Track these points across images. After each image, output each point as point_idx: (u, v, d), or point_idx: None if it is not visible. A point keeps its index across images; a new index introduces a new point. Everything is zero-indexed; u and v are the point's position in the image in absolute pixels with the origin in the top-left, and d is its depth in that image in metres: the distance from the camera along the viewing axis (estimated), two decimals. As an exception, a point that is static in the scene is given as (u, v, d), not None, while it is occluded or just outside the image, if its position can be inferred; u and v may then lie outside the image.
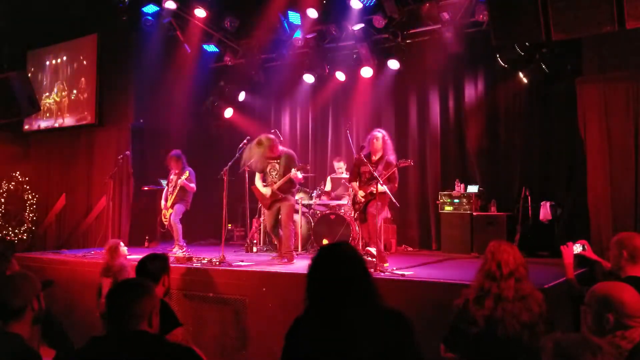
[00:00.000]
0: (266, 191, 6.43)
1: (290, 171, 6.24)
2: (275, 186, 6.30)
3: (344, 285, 1.98)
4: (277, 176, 6.36)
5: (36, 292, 2.57)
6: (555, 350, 1.72)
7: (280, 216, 6.44)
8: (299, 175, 6.35)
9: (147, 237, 8.54)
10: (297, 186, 6.70)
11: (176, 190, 7.28)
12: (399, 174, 6.24)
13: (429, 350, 2.76)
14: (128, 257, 6.36)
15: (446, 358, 2.90)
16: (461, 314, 2.85)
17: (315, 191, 8.11)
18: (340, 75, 8.65)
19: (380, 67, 8.26)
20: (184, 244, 7.29)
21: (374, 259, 5.62)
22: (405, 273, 5.18)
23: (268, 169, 6.46)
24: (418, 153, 8.46)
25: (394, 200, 6.01)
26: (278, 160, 6.40)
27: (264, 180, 6.55)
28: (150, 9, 8.34)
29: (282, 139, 7.21)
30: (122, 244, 5.52)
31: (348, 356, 1.90)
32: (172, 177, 7.45)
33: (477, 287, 2.87)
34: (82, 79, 9.58)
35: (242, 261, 6.25)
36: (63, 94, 9.88)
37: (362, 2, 7.40)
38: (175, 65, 9.05)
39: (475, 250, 7.23)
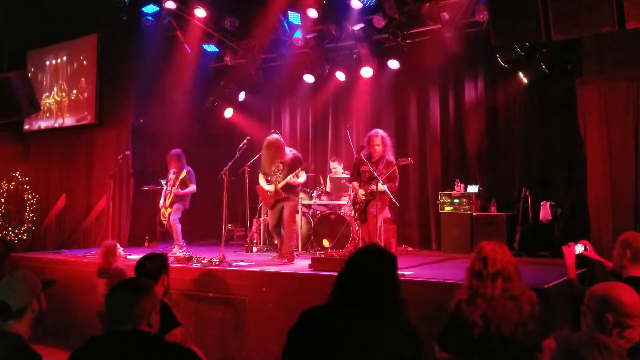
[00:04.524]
0: (270, 188, 6.44)
1: (294, 172, 6.27)
2: (279, 185, 6.32)
3: (375, 285, 2.23)
4: (281, 176, 6.37)
5: (37, 292, 2.56)
6: (561, 348, 1.70)
7: (283, 215, 6.45)
8: (300, 179, 6.36)
9: (147, 237, 8.53)
10: (300, 186, 6.71)
11: (174, 190, 7.27)
12: (399, 173, 6.25)
13: (430, 349, 2.78)
14: (128, 257, 6.36)
15: (441, 358, 2.90)
16: (455, 315, 2.84)
17: (315, 191, 8.11)
18: (340, 75, 8.64)
19: (380, 67, 8.25)
20: (184, 244, 7.28)
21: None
22: (405, 273, 5.16)
23: (272, 169, 6.48)
24: (418, 153, 8.45)
25: (394, 200, 6.01)
26: (283, 161, 6.41)
27: (268, 180, 6.56)
28: (150, 9, 8.34)
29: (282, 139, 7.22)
30: (118, 245, 5.37)
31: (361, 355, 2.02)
32: (171, 175, 7.44)
33: (467, 286, 2.85)
34: (82, 79, 9.58)
35: (242, 261, 6.25)
36: (63, 94, 9.88)
37: (362, 2, 7.40)
38: (175, 65, 9.04)
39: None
